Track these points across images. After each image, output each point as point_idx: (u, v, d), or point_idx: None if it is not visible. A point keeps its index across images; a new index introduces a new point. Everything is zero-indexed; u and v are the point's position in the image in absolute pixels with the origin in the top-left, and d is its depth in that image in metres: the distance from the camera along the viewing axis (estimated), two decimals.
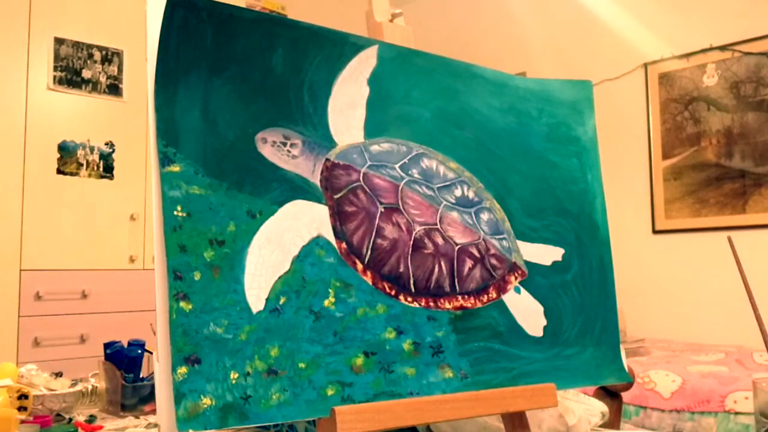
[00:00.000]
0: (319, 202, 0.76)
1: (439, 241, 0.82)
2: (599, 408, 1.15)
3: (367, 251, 0.77)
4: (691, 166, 3.83)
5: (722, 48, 3.72)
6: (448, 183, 0.86)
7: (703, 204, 3.76)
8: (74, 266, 3.23)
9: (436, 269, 0.81)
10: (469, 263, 0.84)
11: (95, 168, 3.31)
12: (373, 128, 0.83)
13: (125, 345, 1.52)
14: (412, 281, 0.79)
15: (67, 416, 1.32)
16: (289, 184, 0.75)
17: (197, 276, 0.67)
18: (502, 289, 0.86)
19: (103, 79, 3.36)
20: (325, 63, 0.81)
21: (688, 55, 3.85)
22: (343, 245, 0.76)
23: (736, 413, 1.87)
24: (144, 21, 0.73)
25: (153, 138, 0.69)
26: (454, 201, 0.85)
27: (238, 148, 0.73)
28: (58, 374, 1.47)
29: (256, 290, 0.69)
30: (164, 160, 0.69)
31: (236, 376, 0.66)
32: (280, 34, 0.78)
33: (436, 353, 0.78)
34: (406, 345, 0.77)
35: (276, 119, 0.76)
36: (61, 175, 3.22)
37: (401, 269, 0.79)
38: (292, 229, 0.73)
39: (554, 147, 0.97)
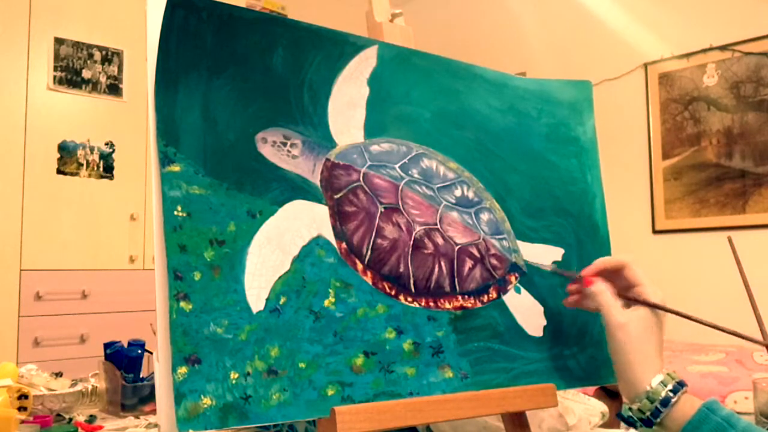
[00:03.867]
0: (319, 202, 0.76)
1: (439, 241, 0.82)
2: (599, 408, 1.15)
3: (367, 251, 0.77)
4: (691, 166, 3.83)
5: (722, 48, 3.72)
6: (448, 183, 0.86)
7: (703, 204, 3.76)
8: (74, 266, 3.23)
9: (437, 269, 0.81)
10: (469, 263, 0.84)
11: (95, 168, 3.31)
12: (373, 128, 0.83)
13: (125, 345, 1.52)
14: (412, 281, 0.79)
15: (67, 416, 1.32)
16: (289, 184, 0.75)
17: (197, 276, 0.67)
18: (502, 289, 0.87)
19: (103, 79, 3.36)
20: (325, 63, 0.81)
21: (688, 55, 3.85)
22: (343, 245, 0.76)
23: (737, 413, 1.87)
24: (144, 21, 0.73)
25: (153, 138, 0.69)
26: (454, 201, 0.86)
27: (239, 148, 0.73)
28: (58, 374, 1.47)
29: (257, 290, 0.70)
30: (164, 159, 0.69)
31: (236, 376, 0.66)
32: (280, 34, 0.78)
33: (436, 353, 0.78)
34: (406, 345, 0.77)
35: (276, 119, 0.76)
36: (61, 175, 3.22)
37: (401, 269, 0.79)
38: (292, 229, 0.73)
39: (554, 147, 0.98)
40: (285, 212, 0.74)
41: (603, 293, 0.81)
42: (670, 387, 0.75)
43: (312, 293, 0.73)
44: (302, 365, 0.70)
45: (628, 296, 0.81)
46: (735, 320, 0.96)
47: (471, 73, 0.94)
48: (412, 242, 0.80)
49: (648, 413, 0.75)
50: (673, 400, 0.74)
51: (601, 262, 0.84)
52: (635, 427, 0.78)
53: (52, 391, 1.36)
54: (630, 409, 0.78)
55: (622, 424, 0.87)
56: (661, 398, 0.74)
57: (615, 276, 0.84)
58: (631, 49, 4.05)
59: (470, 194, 0.88)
